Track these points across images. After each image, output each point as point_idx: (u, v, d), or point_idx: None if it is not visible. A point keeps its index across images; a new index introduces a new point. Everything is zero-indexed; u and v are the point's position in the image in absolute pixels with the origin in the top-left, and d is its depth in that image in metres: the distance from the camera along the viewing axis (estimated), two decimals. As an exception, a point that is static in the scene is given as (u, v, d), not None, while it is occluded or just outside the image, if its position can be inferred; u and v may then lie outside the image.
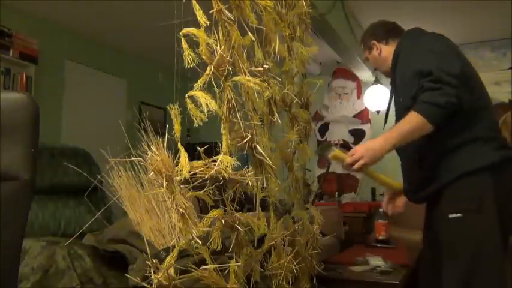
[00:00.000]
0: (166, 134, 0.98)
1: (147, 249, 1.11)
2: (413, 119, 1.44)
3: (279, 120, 1.42)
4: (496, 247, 1.42)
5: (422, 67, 1.47)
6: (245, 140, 1.17)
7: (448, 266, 1.47)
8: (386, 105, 1.83)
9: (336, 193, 5.04)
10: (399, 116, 1.64)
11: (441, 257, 1.51)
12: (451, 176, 1.47)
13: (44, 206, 2.01)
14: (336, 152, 1.62)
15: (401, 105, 1.61)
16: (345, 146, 5.39)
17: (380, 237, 3.13)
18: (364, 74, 4.78)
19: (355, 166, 1.52)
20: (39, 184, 1.98)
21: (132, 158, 1.37)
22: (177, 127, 1.01)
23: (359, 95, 5.27)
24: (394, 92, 1.76)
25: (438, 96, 1.40)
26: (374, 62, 1.85)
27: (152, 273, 0.96)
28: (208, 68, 1.07)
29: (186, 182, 1.00)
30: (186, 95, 1.04)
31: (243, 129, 1.18)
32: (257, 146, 1.22)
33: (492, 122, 1.55)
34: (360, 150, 1.51)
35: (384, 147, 1.49)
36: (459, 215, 1.43)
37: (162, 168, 0.96)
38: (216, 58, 1.07)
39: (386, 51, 1.76)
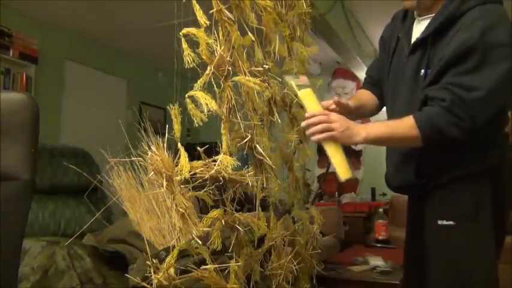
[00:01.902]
0: (166, 134, 0.98)
1: (147, 249, 1.11)
2: (409, 130, 1.19)
3: (279, 120, 1.41)
4: (490, 260, 1.25)
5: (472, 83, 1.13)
6: (245, 140, 1.17)
7: (434, 282, 1.30)
8: None
9: (336, 193, 5.05)
10: (402, 82, 1.34)
11: (425, 270, 1.33)
12: (447, 177, 1.27)
13: (44, 206, 2.02)
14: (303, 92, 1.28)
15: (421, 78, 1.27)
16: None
17: (380, 237, 3.13)
18: (364, 74, 4.78)
19: (320, 136, 1.21)
20: (39, 184, 1.98)
21: (132, 158, 1.38)
22: (177, 127, 1.01)
23: (359, 95, 5.28)
24: (413, 48, 1.31)
25: (454, 127, 1.15)
26: None
27: (152, 273, 0.96)
28: (208, 68, 1.07)
29: (186, 182, 1.00)
30: (186, 95, 1.04)
31: (243, 129, 1.18)
32: (257, 146, 1.22)
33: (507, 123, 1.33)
34: (337, 123, 1.21)
35: (363, 139, 1.23)
36: (450, 222, 1.24)
37: (162, 168, 0.96)
38: (216, 58, 1.07)
39: None
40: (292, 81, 1.35)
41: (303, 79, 1.39)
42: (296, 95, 1.35)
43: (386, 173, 1.46)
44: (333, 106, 1.35)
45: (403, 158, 1.35)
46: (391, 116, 1.42)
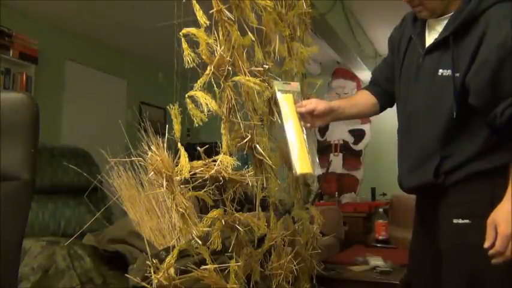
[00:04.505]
0: (166, 134, 0.98)
1: (147, 249, 1.11)
2: None
3: (279, 120, 1.42)
4: (508, 263, 1.18)
5: None
6: (245, 140, 1.17)
7: (449, 281, 1.28)
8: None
9: (336, 193, 5.05)
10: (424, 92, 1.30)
11: (438, 271, 1.30)
12: (463, 173, 1.25)
13: (44, 206, 2.02)
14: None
15: (454, 82, 1.22)
16: (346, 148, 5.40)
17: (380, 237, 3.13)
18: (364, 74, 4.78)
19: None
20: (39, 184, 1.98)
21: (132, 158, 1.38)
22: (177, 127, 1.01)
23: (359, 95, 5.28)
24: (427, 52, 1.30)
25: None
26: None
27: (152, 273, 0.96)
28: (208, 68, 1.07)
29: (186, 182, 1.00)
30: (186, 95, 1.04)
31: (243, 129, 1.18)
32: (257, 146, 1.22)
33: None
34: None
35: None
36: (466, 221, 1.23)
37: (162, 168, 0.96)
38: (216, 58, 1.07)
39: None
40: (276, 86, 1.36)
41: (293, 85, 1.41)
42: (276, 98, 1.38)
43: (399, 174, 1.43)
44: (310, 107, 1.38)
45: (422, 158, 1.32)
46: (402, 115, 1.40)
